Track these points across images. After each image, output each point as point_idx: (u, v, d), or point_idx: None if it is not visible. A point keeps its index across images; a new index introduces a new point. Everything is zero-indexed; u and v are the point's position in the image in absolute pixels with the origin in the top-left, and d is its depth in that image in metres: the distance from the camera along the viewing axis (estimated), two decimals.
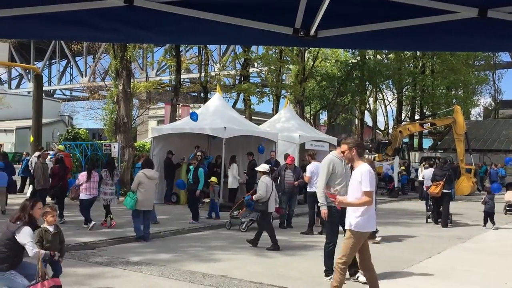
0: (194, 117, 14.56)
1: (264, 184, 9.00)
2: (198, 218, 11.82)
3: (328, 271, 6.70)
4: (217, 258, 8.27)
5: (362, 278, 6.50)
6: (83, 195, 10.51)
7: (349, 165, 6.27)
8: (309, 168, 11.01)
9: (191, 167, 12.40)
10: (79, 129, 19.55)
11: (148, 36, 2.63)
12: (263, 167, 9.39)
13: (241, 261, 8.00)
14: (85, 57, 56.95)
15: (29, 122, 40.26)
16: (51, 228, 5.45)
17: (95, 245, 8.99)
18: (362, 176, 5.17)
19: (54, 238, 5.43)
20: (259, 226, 9.31)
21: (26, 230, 5.04)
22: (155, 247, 9.14)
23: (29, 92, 58.18)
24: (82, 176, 10.63)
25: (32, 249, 5.00)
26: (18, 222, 5.08)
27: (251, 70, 28.47)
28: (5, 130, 45.51)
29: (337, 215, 6.55)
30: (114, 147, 16.83)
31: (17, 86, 67.75)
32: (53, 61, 65.45)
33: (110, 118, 19.88)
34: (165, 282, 6.65)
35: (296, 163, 14.78)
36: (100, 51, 41.19)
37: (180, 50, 24.13)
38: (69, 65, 65.37)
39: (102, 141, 19.30)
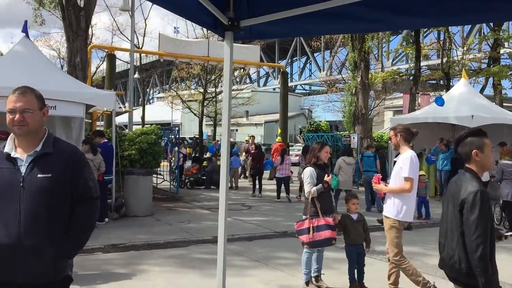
0: (439, 102, 13.75)
1: None
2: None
3: None
4: None
5: None
6: (277, 174, 13.80)
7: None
8: None
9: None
10: (320, 121, 20.59)
11: (412, 22, 2.58)
12: None
13: None
14: (322, 53, 59.62)
15: (275, 116, 44.23)
16: (354, 216, 5.76)
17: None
18: (404, 162, 5.08)
19: (357, 226, 5.68)
20: None
21: (307, 170, 5.63)
22: None
23: (274, 89, 63.94)
24: (278, 159, 13.75)
25: (306, 188, 5.55)
26: (306, 164, 5.79)
27: (501, 51, 25.36)
28: (255, 124, 51.09)
29: None
30: (354, 138, 17.21)
31: (264, 84, 75.27)
32: (294, 58, 70.54)
33: (348, 110, 20.37)
34: None
35: None
36: (337, 45, 42.45)
37: None
38: (309, 61, 69.46)
39: (341, 132, 19.94)
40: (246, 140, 20.25)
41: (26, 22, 10.53)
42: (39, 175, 2.51)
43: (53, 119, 11.06)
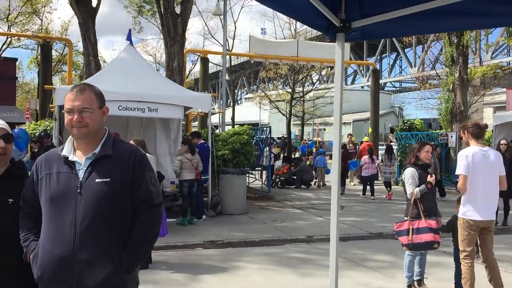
0: None
1: None
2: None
3: None
4: None
5: None
6: (363, 173, 14.27)
7: None
8: None
9: None
10: (413, 119, 19.80)
11: None
12: None
13: None
14: (414, 48, 57.28)
15: (363, 115, 43.24)
16: None
17: None
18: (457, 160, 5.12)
19: None
20: None
21: (408, 170, 5.44)
22: None
23: (362, 87, 62.50)
24: (364, 158, 14.25)
25: (408, 189, 5.36)
26: (406, 165, 5.61)
27: None
28: (344, 123, 50.29)
29: None
30: (451, 136, 16.37)
31: (352, 82, 73.86)
32: (383, 55, 68.45)
33: (445, 107, 19.37)
34: None
35: None
36: (430, 40, 40.51)
37: None
38: (399, 57, 67.04)
39: (437, 131, 19.05)
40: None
41: (130, 30, 11.30)
42: (97, 180, 2.29)
43: (154, 121, 11.74)
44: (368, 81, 55.83)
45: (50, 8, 31.90)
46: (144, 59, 11.84)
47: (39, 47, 22.92)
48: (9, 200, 2.48)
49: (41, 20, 32.13)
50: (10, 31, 28.34)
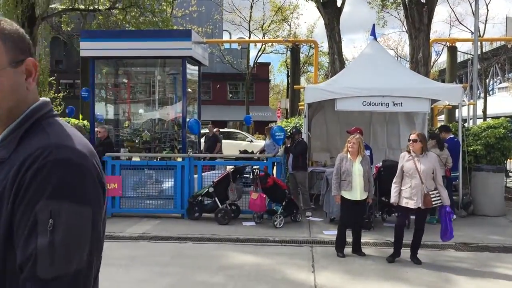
0: None
1: None
2: None
3: None
4: None
5: None
6: None
7: None
8: None
9: None
10: None
11: None
12: None
13: None
14: None
15: None
16: None
17: None
18: None
19: None
20: None
21: None
22: None
23: None
24: None
25: None
26: None
27: None
28: None
29: None
30: None
31: None
32: None
33: None
34: None
35: None
36: None
37: None
38: None
39: None
40: None
41: (373, 26, 11.31)
42: None
43: (397, 116, 11.53)
44: None
45: (297, 13, 34.48)
46: (388, 53, 11.71)
47: (289, 51, 24.97)
48: None
49: (289, 25, 34.96)
50: (264, 38, 31.66)
